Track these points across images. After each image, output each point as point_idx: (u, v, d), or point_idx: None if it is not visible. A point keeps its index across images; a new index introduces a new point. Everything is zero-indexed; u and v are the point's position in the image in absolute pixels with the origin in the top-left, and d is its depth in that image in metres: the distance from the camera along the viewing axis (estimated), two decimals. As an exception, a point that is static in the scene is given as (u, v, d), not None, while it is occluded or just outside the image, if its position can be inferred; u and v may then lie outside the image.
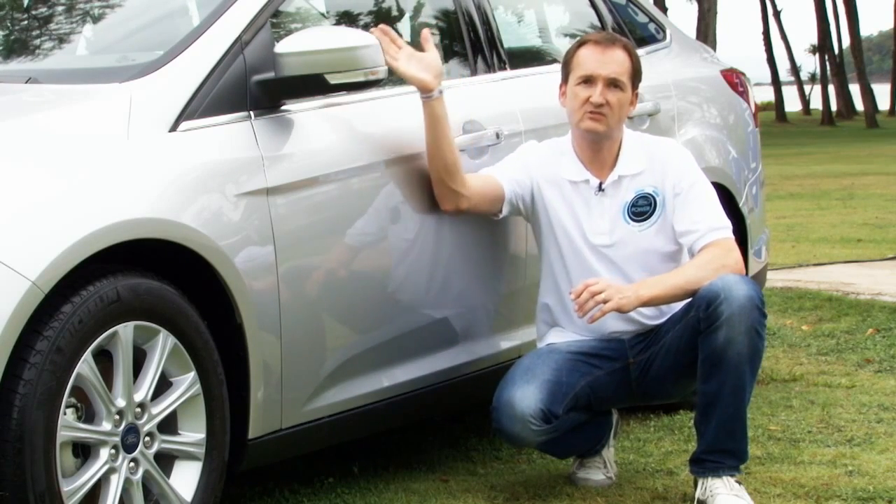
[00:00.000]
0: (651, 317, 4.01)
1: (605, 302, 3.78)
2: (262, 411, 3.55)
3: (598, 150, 4.06)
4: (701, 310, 3.78)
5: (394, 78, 4.09)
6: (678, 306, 3.95)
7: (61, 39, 4.14)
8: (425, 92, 3.92)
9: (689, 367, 3.86)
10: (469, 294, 4.19)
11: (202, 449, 3.41)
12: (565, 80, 4.10)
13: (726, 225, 4.02)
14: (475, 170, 4.17)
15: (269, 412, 3.58)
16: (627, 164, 4.06)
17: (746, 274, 5.08)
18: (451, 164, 3.95)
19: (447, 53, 4.56)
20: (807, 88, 68.32)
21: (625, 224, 4.04)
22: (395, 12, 4.60)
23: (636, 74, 4.08)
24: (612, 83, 4.01)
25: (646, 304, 3.86)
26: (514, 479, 4.18)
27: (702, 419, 3.84)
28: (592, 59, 4.03)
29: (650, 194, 4.04)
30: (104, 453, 3.17)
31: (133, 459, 3.24)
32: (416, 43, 4.63)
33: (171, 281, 3.33)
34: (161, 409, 3.31)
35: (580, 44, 4.10)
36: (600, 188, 4.06)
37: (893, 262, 8.99)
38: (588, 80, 4.01)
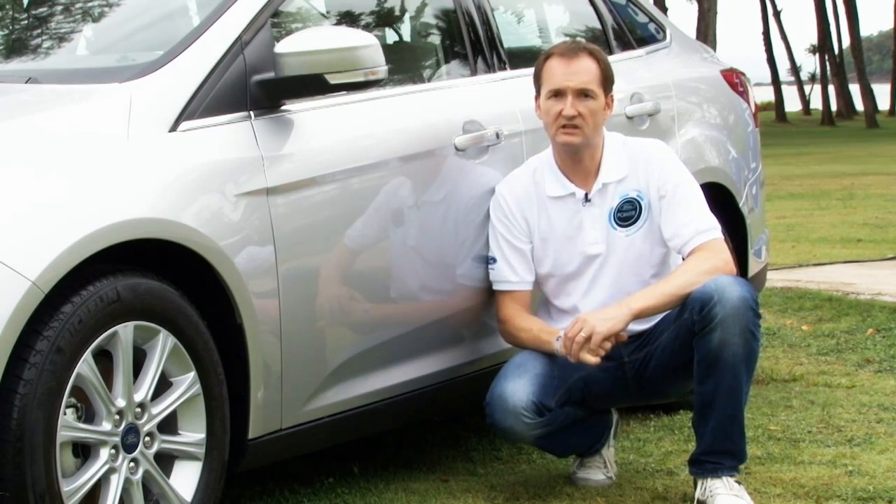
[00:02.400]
0: (640, 321, 3.99)
1: (589, 338, 3.78)
2: (262, 411, 3.55)
3: (580, 160, 4.06)
4: (695, 312, 3.78)
5: (394, 78, 4.10)
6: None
7: (61, 39, 4.13)
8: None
9: (685, 368, 3.86)
10: (469, 294, 4.19)
11: (202, 449, 3.41)
12: (538, 93, 4.09)
13: (713, 226, 4.01)
14: (475, 170, 4.18)
15: (269, 412, 3.58)
16: (610, 171, 4.05)
17: (745, 274, 5.12)
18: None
19: (447, 53, 4.56)
20: (807, 88, 68.32)
21: (612, 230, 4.04)
22: (395, 12, 4.60)
23: (607, 79, 4.05)
24: (582, 93, 3.99)
25: (638, 315, 3.85)
26: (514, 479, 4.18)
27: (699, 420, 3.84)
28: (559, 72, 4.01)
29: (635, 199, 4.04)
30: (104, 453, 3.17)
31: (133, 459, 3.24)
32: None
33: (171, 281, 3.34)
34: (161, 409, 3.31)
35: (546, 56, 4.08)
36: (587, 199, 4.05)
37: (893, 262, 8.99)
38: (558, 94, 4.00)
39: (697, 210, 4.01)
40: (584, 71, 4.00)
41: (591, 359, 3.79)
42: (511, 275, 4.10)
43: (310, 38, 3.64)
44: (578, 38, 4.75)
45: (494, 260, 4.12)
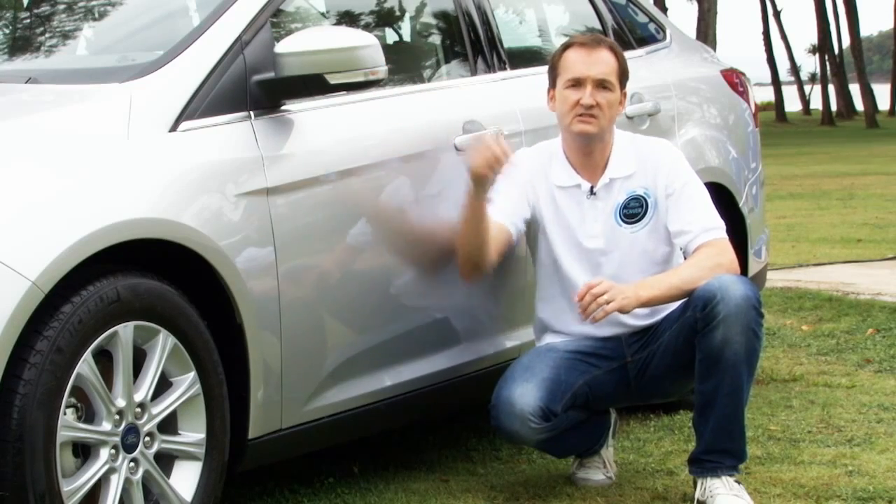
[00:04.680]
0: (643, 316, 4.00)
1: (608, 302, 3.78)
2: (262, 411, 3.55)
3: (590, 153, 4.06)
4: (698, 310, 3.78)
5: (394, 78, 4.09)
6: (672, 306, 3.95)
7: (61, 39, 4.14)
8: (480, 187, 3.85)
9: (687, 367, 3.87)
10: (469, 294, 4.19)
11: (202, 449, 3.41)
12: (553, 84, 4.09)
13: (720, 225, 4.02)
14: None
15: (269, 412, 3.58)
16: (618, 167, 4.06)
17: (745, 274, 5.12)
18: (485, 254, 3.92)
19: (447, 54, 4.56)
20: (807, 88, 68.33)
21: (617, 226, 4.04)
22: (395, 12, 4.60)
23: (623, 74, 4.07)
24: (601, 84, 4.00)
25: (644, 304, 3.87)
26: (514, 479, 4.18)
27: (700, 419, 3.84)
28: (580, 62, 4.02)
29: (642, 196, 4.04)
30: (104, 453, 3.17)
31: (133, 459, 3.24)
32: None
33: (172, 281, 3.34)
34: (161, 409, 3.31)
35: (566, 47, 4.10)
36: (592, 192, 4.06)
37: (893, 262, 9.00)
38: (577, 83, 4.01)
39: (705, 209, 4.03)
40: (604, 62, 4.02)
41: (599, 315, 3.80)
42: (497, 211, 4.00)
43: (310, 38, 3.64)
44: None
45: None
